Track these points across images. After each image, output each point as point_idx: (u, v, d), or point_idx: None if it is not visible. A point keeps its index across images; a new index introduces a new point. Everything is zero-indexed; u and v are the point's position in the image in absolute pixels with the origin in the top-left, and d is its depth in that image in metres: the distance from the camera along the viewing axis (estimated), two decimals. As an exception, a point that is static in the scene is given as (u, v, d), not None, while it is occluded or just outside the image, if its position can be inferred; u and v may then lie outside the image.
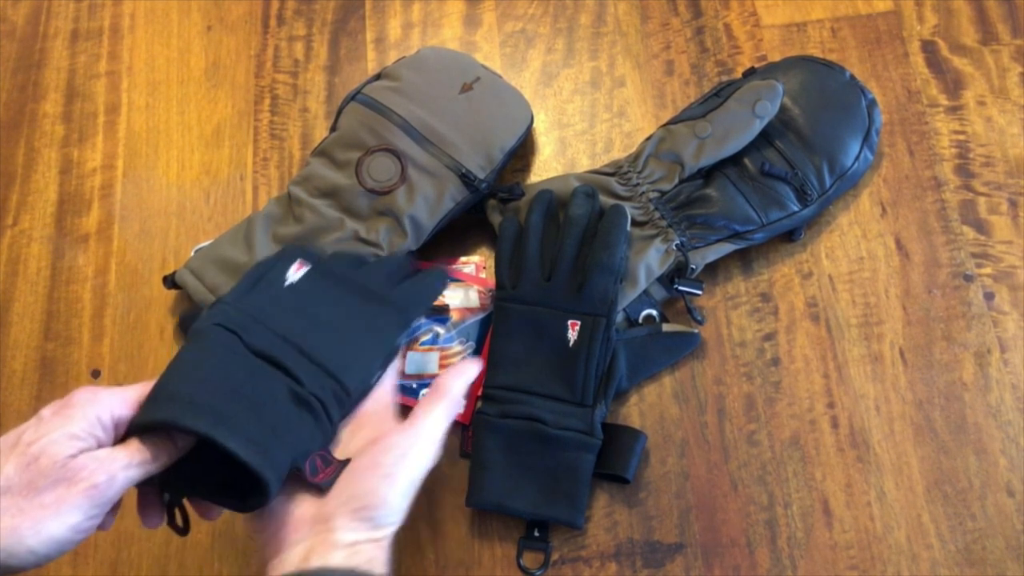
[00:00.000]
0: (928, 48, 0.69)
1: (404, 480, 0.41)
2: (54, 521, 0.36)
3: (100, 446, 0.39)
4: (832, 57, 0.68)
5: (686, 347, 0.60)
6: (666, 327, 0.60)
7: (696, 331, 0.61)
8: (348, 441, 0.44)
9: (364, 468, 0.41)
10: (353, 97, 0.62)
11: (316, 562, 0.38)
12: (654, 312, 0.60)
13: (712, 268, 0.62)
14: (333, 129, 0.63)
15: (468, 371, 0.47)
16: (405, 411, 0.50)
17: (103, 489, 0.37)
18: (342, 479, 0.41)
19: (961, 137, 0.66)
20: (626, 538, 0.57)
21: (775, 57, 0.68)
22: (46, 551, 0.36)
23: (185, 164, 0.69)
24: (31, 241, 0.68)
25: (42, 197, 0.69)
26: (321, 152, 0.62)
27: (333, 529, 0.39)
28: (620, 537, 0.57)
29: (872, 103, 0.63)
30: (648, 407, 0.60)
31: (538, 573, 0.56)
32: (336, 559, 0.38)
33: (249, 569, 0.58)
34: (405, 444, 0.42)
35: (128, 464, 0.38)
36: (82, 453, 0.37)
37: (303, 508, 0.41)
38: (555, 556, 0.57)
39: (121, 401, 0.40)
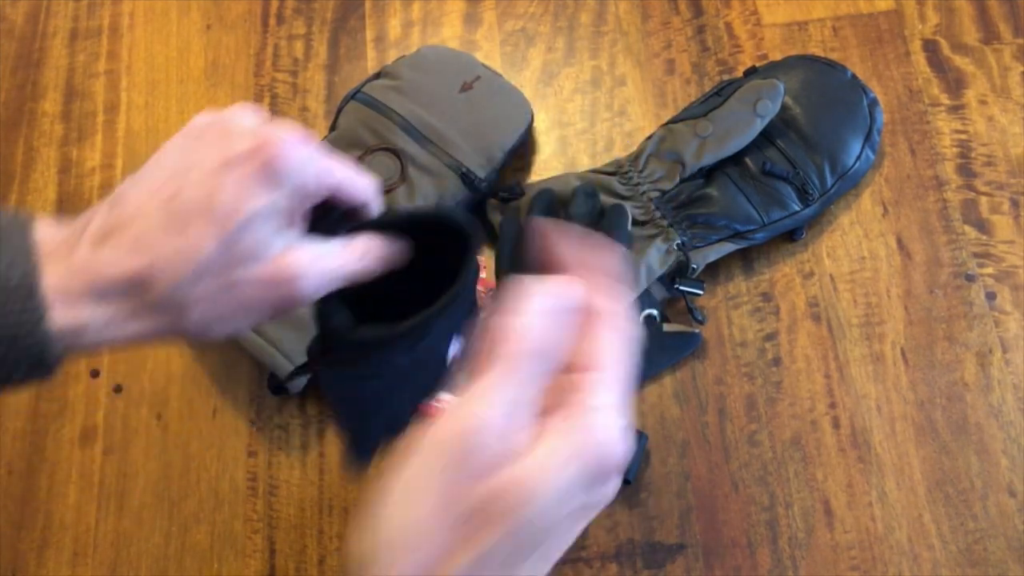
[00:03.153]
0: (930, 47, 0.69)
1: None
2: (244, 320, 0.33)
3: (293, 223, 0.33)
4: (833, 56, 0.68)
5: (687, 347, 0.60)
6: (667, 327, 0.60)
7: (697, 331, 0.61)
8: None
9: None
10: (353, 96, 0.62)
11: None
12: (655, 312, 0.60)
13: (713, 268, 0.62)
14: (333, 128, 0.62)
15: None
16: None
17: (304, 297, 0.33)
18: None
19: (963, 136, 0.66)
20: (627, 538, 0.57)
21: (776, 56, 0.68)
22: (222, 338, 0.33)
23: (184, 163, 0.69)
24: (30, 240, 0.68)
25: (41, 196, 0.69)
26: (321, 151, 0.62)
27: None
28: (621, 537, 0.57)
29: (873, 102, 0.63)
30: (649, 407, 0.60)
31: (538, 574, 0.56)
32: None
33: (248, 570, 0.58)
34: None
35: (343, 272, 0.33)
36: (290, 250, 0.32)
37: None
38: (555, 556, 0.57)
39: (328, 171, 0.34)
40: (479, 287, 0.62)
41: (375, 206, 0.37)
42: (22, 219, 0.31)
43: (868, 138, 0.62)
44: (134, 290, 0.31)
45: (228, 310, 0.32)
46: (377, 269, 0.35)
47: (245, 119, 0.34)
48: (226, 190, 0.31)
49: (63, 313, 0.30)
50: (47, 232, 0.31)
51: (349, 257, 0.34)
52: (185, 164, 0.32)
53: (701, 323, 0.61)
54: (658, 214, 0.60)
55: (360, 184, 0.35)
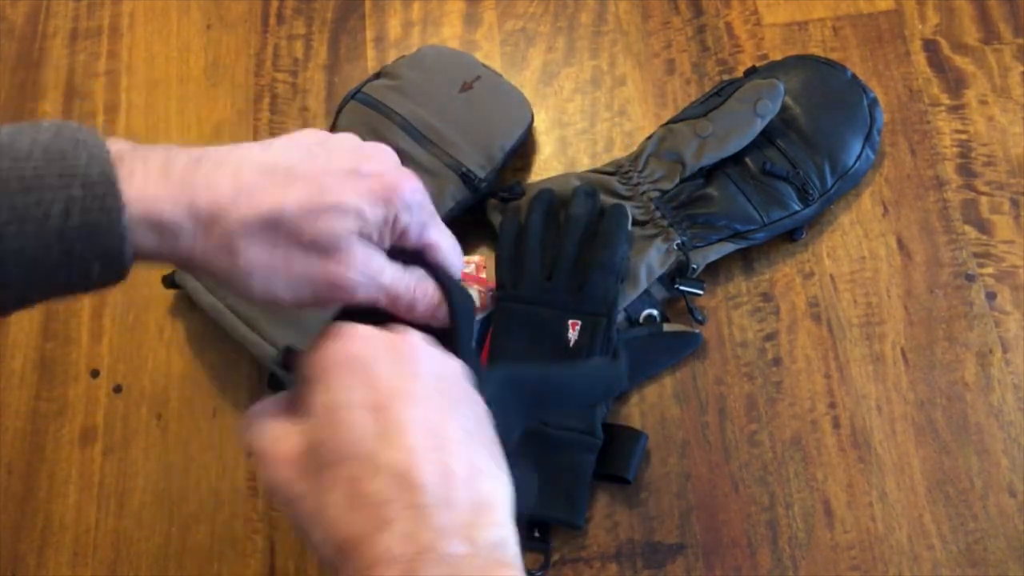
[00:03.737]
0: (930, 47, 0.69)
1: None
2: (289, 288, 0.33)
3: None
4: (834, 56, 0.68)
5: (687, 347, 0.60)
6: (667, 327, 0.60)
7: (697, 331, 0.60)
8: None
9: None
10: (353, 96, 0.62)
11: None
12: (655, 312, 0.60)
13: (713, 268, 0.62)
14: (332, 128, 0.62)
15: None
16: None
17: (351, 296, 0.34)
18: None
19: (963, 136, 0.66)
20: (627, 539, 0.57)
21: (776, 56, 0.68)
22: (263, 297, 0.34)
23: (184, 163, 0.69)
24: (30, 240, 0.67)
25: (41, 196, 0.69)
26: (321, 151, 0.62)
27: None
28: (621, 538, 0.57)
29: (874, 102, 0.63)
30: (649, 407, 0.60)
31: (538, 574, 0.56)
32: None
33: (248, 570, 0.58)
34: None
35: (390, 295, 0.35)
36: (361, 252, 0.34)
37: None
38: (555, 556, 0.57)
39: (430, 227, 0.37)
40: (480, 287, 0.62)
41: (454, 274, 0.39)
42: (91, 128, 0.32)
43: (868, 138, 0.62)
44: (212, 215, 0.31)
45: (279, 270, 0.33)
46: (419, 318, 0.37)
47: (381, 150, 0.36)
48: (339, 183, 0.33)
49: (141, 211, 0.30)
50: (122, 144, 0.32)
51: (400, 292, 0.35)
52: (308, 153, 0.34)
53: (701, 323, 0.61)
54: (658, 214, 0.60)
55: (452, 257, 0.38)
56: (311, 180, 0.32)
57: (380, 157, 0.36)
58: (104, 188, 0.29)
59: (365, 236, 0.34)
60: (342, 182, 0.33)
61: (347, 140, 0.36)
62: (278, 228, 0.32)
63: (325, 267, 0.33)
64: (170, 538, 0.59)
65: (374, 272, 0.34)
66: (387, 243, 0.35)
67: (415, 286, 0.36)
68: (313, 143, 0.35)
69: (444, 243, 0.38)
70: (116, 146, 0.31)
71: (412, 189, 0.35)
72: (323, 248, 0.33)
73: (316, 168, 0.33)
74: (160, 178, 0.31)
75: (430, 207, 0.37)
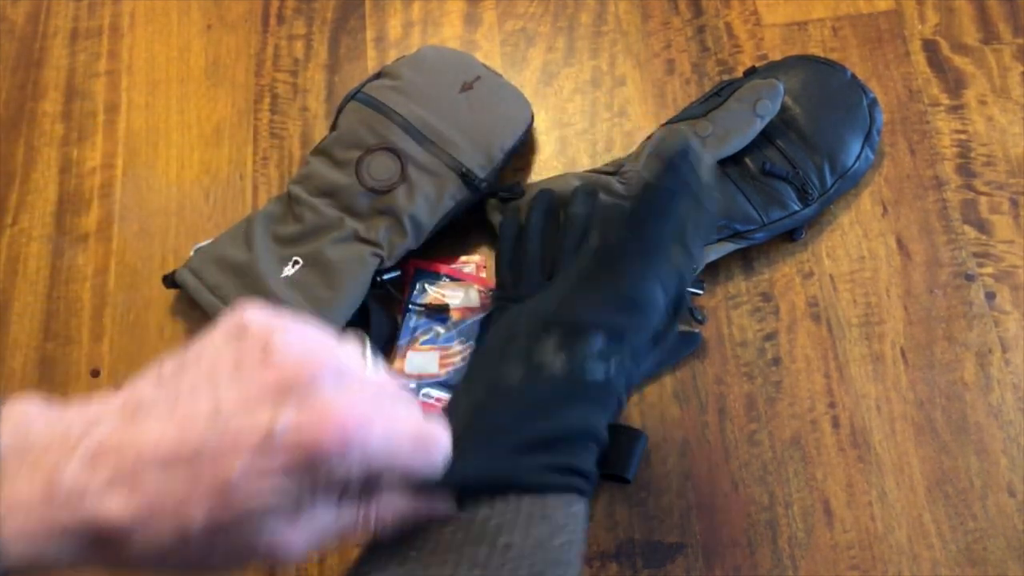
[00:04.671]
0: (929, 47, 0.69)
1: None
2: (207, 572, 0.30)
3: None
4: (833, 56, 0.68)
5: (687, 347, 0.60)
6: (667, 327, 0.60)
7: (697, 331, 0.61)
8: None
9: None
10: (353, 96, 0.62)
11: None
12: (655, 312, 0.60)
13: (713, 268, 0.62)
14: (333, 128, 0.62)
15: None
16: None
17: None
18: None
19: (962, 136, 0.66)
20: (627, 538, 0.57)
21: (776, 56, 0.68)
22: None
23: (185, 163, 0.69)
24: (30, 240, 0.68)
25: (41, 196, 0.69)
26: (321, 151, 0.62)
27: None
28: (621, 537, 0.57)
29: (873, 102, 0.63)
30: (649, 407, 0.60)
31: (538, 573, 0.56)
32: None
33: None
34: None
35: (338, 539, 0.31)
36: (285, 531, 0.29)
37: None
38: (555, 556, 0.57)
39: (394, 454, 0.30)
40: (480, 286, 0.62)
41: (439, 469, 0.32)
42: None
43: (868, 138, 0.62)
44: (110, 538, 0.27)
45: (195, 567, 0.29)
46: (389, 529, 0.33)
47: (314, 354, 0.29)
48: (247, 474, 0.27)
49: (22, 542, 0.26)
50: (33, 421, 0.28)
51: (355, 527, 0.31)
52: (217, 396, 0.28)
53: (701, 323, 0.61)
54: (658, 214, 0.60)
55: (431, 459, 0.31)
56: (217, 474, 0.27)
57: (289, 371, 0.28)
58: None
59: (293, 513, 0.28)
60: (250, 470, 0.27)
61: (258, 343, 0.29)
62: (188, 545, 0.27)
63: (252, 555, 0.29)
64: (170, 538, 0.59)
65: (296, 548, 0.29)
66: (331, 498, 0.29)
67: (366, 518, 0.31)
68: (219, 368, 0.29)
69: (415, 456, 0.30)
70: (13, 425, 0.27)
71: (344, 444, 0.27)
72: (242, 550, 0.28)
73: (223, 447, 0.27)
74: (46, 497, 0.26)
75: (382, 429, 0.29)
